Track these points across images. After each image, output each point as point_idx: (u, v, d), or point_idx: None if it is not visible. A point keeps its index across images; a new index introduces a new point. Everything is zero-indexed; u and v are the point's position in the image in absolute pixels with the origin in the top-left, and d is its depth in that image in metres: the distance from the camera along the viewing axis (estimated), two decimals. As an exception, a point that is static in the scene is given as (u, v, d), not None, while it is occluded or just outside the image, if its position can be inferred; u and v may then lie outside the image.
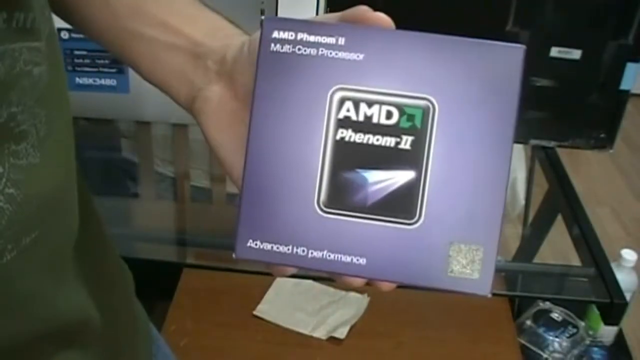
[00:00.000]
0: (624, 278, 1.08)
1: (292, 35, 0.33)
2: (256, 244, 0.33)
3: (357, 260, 0.33)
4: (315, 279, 1.07)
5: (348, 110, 0.32)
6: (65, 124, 0.40)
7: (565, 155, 1.31)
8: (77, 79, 1.06)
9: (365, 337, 1.00)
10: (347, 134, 0.32)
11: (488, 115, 0.32)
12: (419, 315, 1.05)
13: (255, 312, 1.02)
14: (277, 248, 0.33)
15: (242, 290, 1.06)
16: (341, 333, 1.00)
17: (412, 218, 0.32)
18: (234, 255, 0.33)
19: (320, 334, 1.00)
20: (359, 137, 0.32)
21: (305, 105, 0.32)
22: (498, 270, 1.12)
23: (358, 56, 0.32)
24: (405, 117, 0.32)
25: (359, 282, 0.35)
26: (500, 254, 1.40)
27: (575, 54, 1.00)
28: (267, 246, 0.33)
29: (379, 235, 0.33)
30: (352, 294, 1.06)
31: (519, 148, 1.51)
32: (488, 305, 1.06)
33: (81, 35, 0.96)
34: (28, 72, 0.35)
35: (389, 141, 0.32)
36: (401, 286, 0.34)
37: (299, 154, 0.33)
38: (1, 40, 0.33)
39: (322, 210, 0.33)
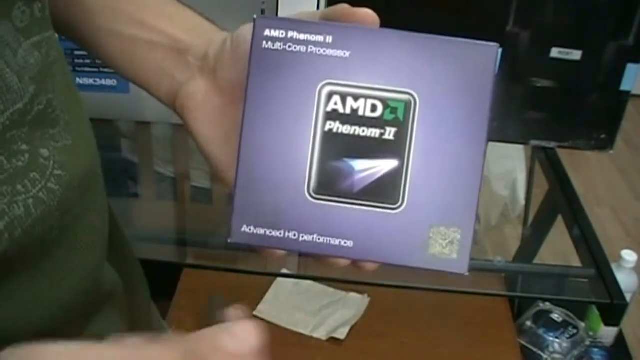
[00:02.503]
0: (624, 279, 1.08)
1: (282, 34, 0.35)
2: (250, 229, 0.35)
3: (345, 243, 0.35)
4: (315, 279, 1.07)
5: (335, 104, 0.34)
6: (80, 106, 0.42)
7: (566, 156, 1.30)
8: (77, 79, 1.06)
9: (365, 338, 1.00)
10: (335, 126, 0.35)
11: (465, 108, 0.35)
12: (419, 315, 1.05)
13: (255, 312, 1.02)
14: (270, 232, 0.35)
15: (242, 290, 1.06)
16: (341, 333, 1.00)
17: (395, 203, 0.35)
18: (228, 240, 0.35)
19: (320, 334, 1.00)
20: (346, 129, 0.35)
21: (295, 99, 0.35)
22: (498, 271, 1.12)
23: (345, 53, 0.34)
24: (388, 110, 0.34)
25: (344, 262, 0.36)
26: (500, 254, 1.39)
27: (576, 54, 0.99)
28: (260, 231, 0.35)
29: (365, 220, 0.35)
30: (352, 295, 1.06)
31: (519, 149, 1.51)
32: (488, 306, 1.06)
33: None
34: (57, 59, 0.37)
35: (374, 132, 0.35)
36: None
37: (290, 144, 0.35)
38: (40, 29, 0.35)
39: (312, 196, 0.35)
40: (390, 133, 0.34)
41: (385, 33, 0.35)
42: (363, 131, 0.34)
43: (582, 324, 1.09)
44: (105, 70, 1.06)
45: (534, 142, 1.09)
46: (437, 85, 0.34)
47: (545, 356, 1.06)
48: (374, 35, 0.35)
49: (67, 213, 0.38)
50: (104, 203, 0.45)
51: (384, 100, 0.34)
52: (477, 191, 0.35)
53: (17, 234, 0.34)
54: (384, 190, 0.35)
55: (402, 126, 0.34)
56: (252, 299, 1.03)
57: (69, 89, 0.41)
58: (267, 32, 0.35)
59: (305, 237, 0.35)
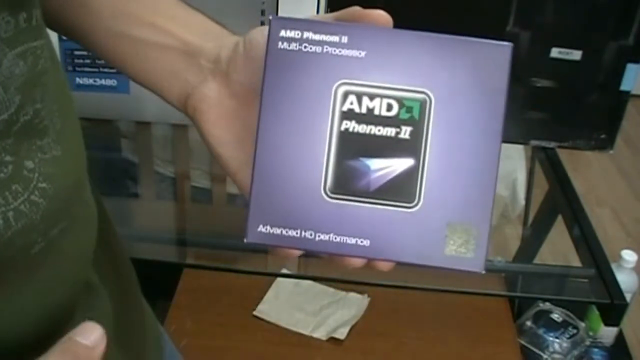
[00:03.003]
0: (624, 279, 1.08)
1: (298, 34, 0.35)
2: (266, 229, 0.35)
3: (362, 242, 0.35)
4: (315, 279, 1.07)
5: (351, 103, 0.35)
6: (74, 116, 0.41)
7: (566, 156, 1.30)
8: (77, 79, 1.06)
9: (365, 338, 1.00)
10: (351, 125, 0.35)
11: (479, 107, 0.35)
12: (419, 315, 1.05)
13: (255, 312, 1.02)
14: (286, 232, 0.35)
15: (242, 290, 1.06)
16: (341, 333, 1.00)
17: (412, 201, 0.35)
18: (245, 240, 0.35)
19: (321, 334, 1.00)
20: (361, 128, 0.35)
21: (311, 99, 0.35)
22: (498, 271, 1.12)
23: (360, 53, 0.35)
24: (404, 109, 0.34)
25: (359, 262, 0.36)
26: (500, 254, 1.39)
27: (576, 54, 1.00)
28: (277, 230, 0.35)
29: (381, 218, 0.35)
30: (352, 295, 1.06)
31: (519, 149, 1.51)
32: (488, 306, 1.06)
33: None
34: (46, 68, 0.36)
35: (390, 131, 0.35)
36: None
37: (306, 144, 0.35)
38: (26, 38, 0.34)
39: (328, 196, 0.35)
40: (405, 132, 0.34)
41: (400, 33, 0.35)
42: (379, 130, 0.35)
43: (582, 324, 1.09)
44: (105, 70, 1.06)
45: (534, 142, 1.09)
46: (452, 84, 0.35)
47: (545, 356, 1.06)
48: (389, 36, 0.35)
49: (53, 226, 0.37)
50: (91, 214, 0.44)
51: (399, 100, 0.34)
52: (492, 189, 0.35)
53: None
54: (400, 189, 0.35)
55: (417, 125, 0.35)
56: (252, 299, 1.03)
57: (64, 98, 0.40)
58: (282, 33, 0.35)
59: (322, 237, 0.35)
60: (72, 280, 0.42)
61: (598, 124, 1.04)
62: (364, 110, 0.34)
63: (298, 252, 0.37)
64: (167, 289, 1.04)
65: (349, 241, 0.35)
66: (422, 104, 0.34)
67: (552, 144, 1.08)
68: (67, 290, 0.41)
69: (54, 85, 0.38)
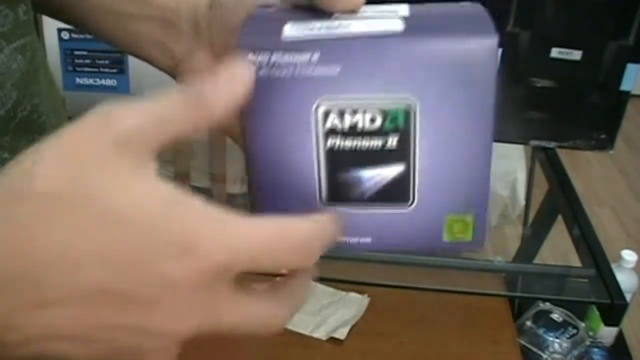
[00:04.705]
0: (624, 279, 1.08)
1: (266, 58, 0.33)
2: None
3: (364, 239, 0.36)
4: (315, 279, 1.07)
5: (334, 121, 0.34)
6: (63, 111, 0.41)
7: (565, 156, 1.30)
8: (77, 79, 1.06)
9: (365, 338, 1.00)
10: (337, 142, 0.34)
11: (467, 103, 0.34)
12: (419, 315, 1.05)
13: (255, 313, 1.02)
14: None
15: (242, 290, 1.06)
16: (341, 333, 1.00)
17: (407, 202, 0.35)
18: None
19: (321, 334, 1.00)
20: (348, 143, 0.34)
21: (291, 122, 0.34)
22: (498, 271, 1.12)
23: (334, 69, 0.33)
24: (388, 119, 0.33)
25: None
26: (500, 254, 1.39)
27: (576, 54, 0.99)
28: None
29: (379, 219, 0.35)
30: (352, 294, 1.06)
31: (519, 149, 1.51)
32: (488, 306, 1.06)
33: (81, 36, 0.96)
34: (40, 64, 0.36)
35: (376, 143, 0.34)
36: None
37: (296, 164, 0.35)
38: (22, 32, 0.34)
39: (325, 204, 0.35)
40: (392, 141, 0.34)
41: (373, 41, 0.33)
42: (365, 143, 0.34)
43: (582, 324, 1.09)
44: (105, 70, 1.06)
45: (534, 142, 1.09)
46: (437, 86, 0.33)
47: (545, 356, 1.06)
48: (362, 46, 0.33)
49: None
50: None
51: (382, 111, 0.33)
52: (487, 179, 0.35)
53: None
54: (394, 193, 0.35)
55: (403, 132, 0.34)
56: (252, 299, 1.03)
57: (54, 94, 0.40)
58: (251, 57, 0.33)
59: None
60: None
61: (598, 124, 1.04)
62: (347, 126, 0.34)
63: None
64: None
65: (351, 240, 0.36)
66: (406, 111, 0.33)
67: (552, 144, 1.08)
68: None
69: (46, 81, 0.38)
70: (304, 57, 0.32)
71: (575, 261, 1.16)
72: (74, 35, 1.02)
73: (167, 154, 1.24)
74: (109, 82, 1.07)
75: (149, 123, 0.26)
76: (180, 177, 1.25)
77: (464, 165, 0.35)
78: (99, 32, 0.45)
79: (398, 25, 0.33)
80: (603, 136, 1.04)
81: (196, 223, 0.25)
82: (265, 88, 0.33)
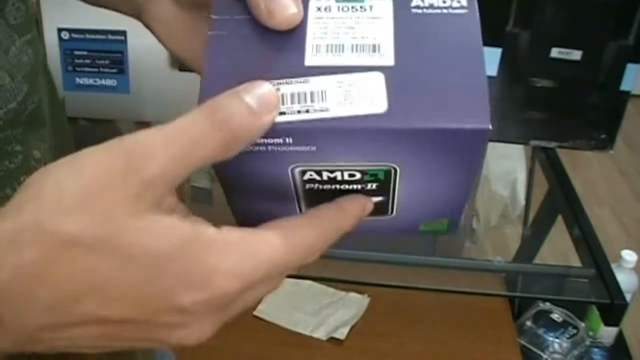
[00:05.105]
0: (624, 279, 1.09)
1: None
2: None
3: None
4: (315, 279, 1.07)
5: (311, 175, 0.33)
6: (59, 106, 0.41)
7: (565, 156, 1.30)
8: (77, 79, 1.06)
9: (365, 338, 1.00)
10: (315, 187, 0.34)
11: (452, 166, 0.33)
12: (419, 316, 1.05)
13: (255, 312, 1.02)
14: None
15: (242, 290, 1.06)
16: (341, 333, 1.00)
17: (385, 214, 0.37)
18: None
19: (321, 334, 1.00)
20: (326, 187, 0.34)
21: (269, 182, 0.33)
22: (498, 271, 1.12)
23: (310, 148, 0.31)
24: (367, 175, 0.33)
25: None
26: (500, 254, 1.39)
27: (576, 54, 0.99)
28: None
29: (362, 225, 0.36)
30: (352, 295, 1.06)
31: (519, 149, 1.51)
32: (488, 306, 1.06)
33: (81, 36, 0.96)
34: (41, 61, 0.36)
35: (355, 187, 0.34)
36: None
37: (278, 205, 0.35)
38: (33, 26, 0.34)
39: None
40: (372, 186, 0.34)
41: (353, 126, 0.30)
42: (344, 187, 0.34)
43: (582, 324, 1.09)
44: (105, 70, 1.06)
45: (534, 142, 1.09)
46: (421, 157, 0.31)
47: (545, 356, 1.07)
48: (340, 132, 0.30)
49: None
50: None
51: (362, 171, 0.33)
52: (468, 195, 0.36)
53: None
54: (375, 212, 0.36)
55: (383, 182, 0.33)
56: (252, 299, 1.03)
57: (52, 89, 0.40)
58: None
59: None
60: None
61: (598, 124, 1.04)
62: (325, 178, 0.33)
63: None
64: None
65: None
66: (387, 172, 0.33)
67: (552, 144, 1.08)
68: None
69: (44, 77, 0.38)
70: (277, 141, 0.31)
71: (575, 261, 1.16)
72: (74, 35, 1.02)
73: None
74: (109, 82, 1.07)
75: (173, 164, 0.28)
76: (180, 177, 1.25)
77: (445, 192, 0.35)
78: None
79: (380, 99, 0.30)
80: (603, 136, 1.04)
81: (208, 258, 0.28)
82: (240, 161, 0.31)
